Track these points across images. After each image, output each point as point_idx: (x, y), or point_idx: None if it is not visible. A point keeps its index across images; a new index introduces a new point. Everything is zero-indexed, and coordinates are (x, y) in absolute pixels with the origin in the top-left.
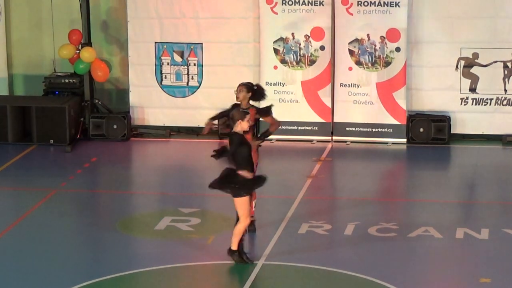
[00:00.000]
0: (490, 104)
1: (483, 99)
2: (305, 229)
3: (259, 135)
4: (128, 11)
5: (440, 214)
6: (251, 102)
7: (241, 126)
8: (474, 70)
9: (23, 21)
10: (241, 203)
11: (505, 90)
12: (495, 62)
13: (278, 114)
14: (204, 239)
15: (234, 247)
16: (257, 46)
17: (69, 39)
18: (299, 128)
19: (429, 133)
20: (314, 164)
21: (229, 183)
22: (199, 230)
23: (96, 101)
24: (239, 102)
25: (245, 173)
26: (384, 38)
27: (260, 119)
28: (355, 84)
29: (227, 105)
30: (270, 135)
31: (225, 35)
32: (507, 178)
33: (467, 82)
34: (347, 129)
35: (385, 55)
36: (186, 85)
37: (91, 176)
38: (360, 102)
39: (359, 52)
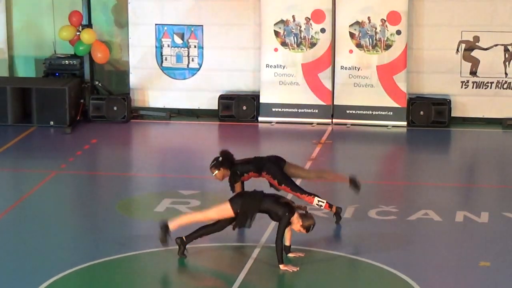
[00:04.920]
0: (490, 88)
1: (483, 82)
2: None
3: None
4: None
5: (440, 198)
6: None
7: (295, 220)
8: (475, 53)
9: (24, 2)
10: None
11: (506, 74)
12: (496, 45)
13: (279, 96)
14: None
15: (173, 227)
16: (257, 28)
17: (70, 21)
18: (300, 110)
19: (429, 116)
20: (314, 146)
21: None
22: None
23: (96, 82)
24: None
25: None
26: (385, 21)
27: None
28: (355, 67)
29: (227, 87)
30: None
31: (225, 17)
32: (507, 162)
33: (467, 66)
34: (348, 111)
35: (385, 38)
36: (186, 67)
37: (91, 158)
38: (360, 85)
39: (360, 35)
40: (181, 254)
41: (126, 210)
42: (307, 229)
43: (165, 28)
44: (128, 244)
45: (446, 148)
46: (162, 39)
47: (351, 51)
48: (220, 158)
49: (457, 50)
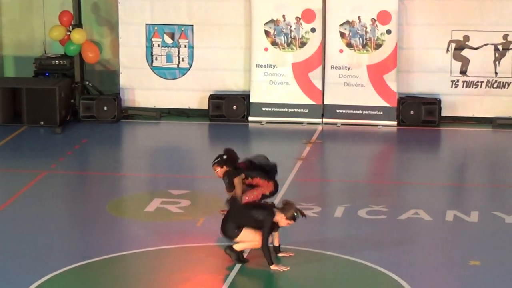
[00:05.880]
0: (480, 87)
1: (473, 81)
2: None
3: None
4: None
5: (430, 197)
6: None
7: (278, 218)
8: (465, 52)
9: (14, 2)
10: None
11: (496, 73)
12: (486, 44)
13: (269, 96)
14: (194, 221)
15: (239, 249)
16: (247, 28)
17: (60, 21)
18: (290, 110)
19: (419, 116)
20: (305, 146)
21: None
22: (189, 212)
23: (87, 82)
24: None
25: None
26: (375, 20)
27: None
28: (345, 67)
29: (217, 86)
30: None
31: (215, 16)
32: (497, 161)
33: (457, 65)
34: (338, 111)
35: (376, 38)
36: (176, 67)
37: (81, 158)
38: (350, 85)
39: (350, 35)
40: (236, 260)
41: (116, 210)
42: (293, 218)
43: (156, 27)
44: (118, 244)
45: (436, 147)
46: (153, 39)
47: (341, 51)
48: (225, 156)
49: (447, 49)
